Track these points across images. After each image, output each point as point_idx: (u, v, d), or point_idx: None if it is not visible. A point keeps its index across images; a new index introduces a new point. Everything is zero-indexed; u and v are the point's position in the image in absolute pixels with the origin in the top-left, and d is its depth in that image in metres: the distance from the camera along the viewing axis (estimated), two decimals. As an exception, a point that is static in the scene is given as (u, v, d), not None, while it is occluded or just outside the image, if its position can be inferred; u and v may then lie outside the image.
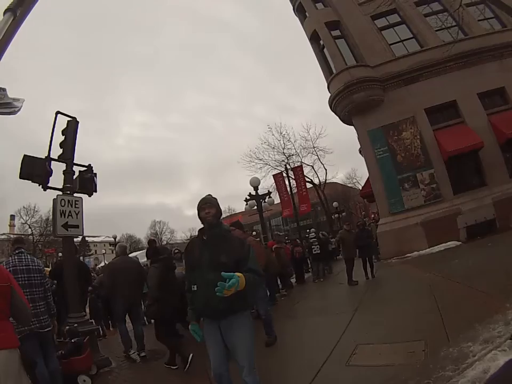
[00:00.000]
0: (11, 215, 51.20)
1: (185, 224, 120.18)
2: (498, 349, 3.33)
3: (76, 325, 5.48)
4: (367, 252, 11.31)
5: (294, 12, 19.94)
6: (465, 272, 7.89)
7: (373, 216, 28.37)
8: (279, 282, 12.76)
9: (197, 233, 3.31)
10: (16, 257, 4.38)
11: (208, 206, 3.15)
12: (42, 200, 40.24)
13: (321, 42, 17.97)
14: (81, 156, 6.66)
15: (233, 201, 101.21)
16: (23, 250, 4.50)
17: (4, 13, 3.82)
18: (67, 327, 5.33)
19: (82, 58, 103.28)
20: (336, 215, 34.45)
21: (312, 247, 14.38)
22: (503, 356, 3.11)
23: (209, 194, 3.32)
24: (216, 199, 3.28)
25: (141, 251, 55.18)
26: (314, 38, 18.49)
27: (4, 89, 4.32)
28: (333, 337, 5.53)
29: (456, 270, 8.72)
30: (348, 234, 11.76)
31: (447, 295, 6.47)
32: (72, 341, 5.04)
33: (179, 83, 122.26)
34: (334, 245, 20.82)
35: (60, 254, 10.09)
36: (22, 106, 4.49)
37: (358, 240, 11.32)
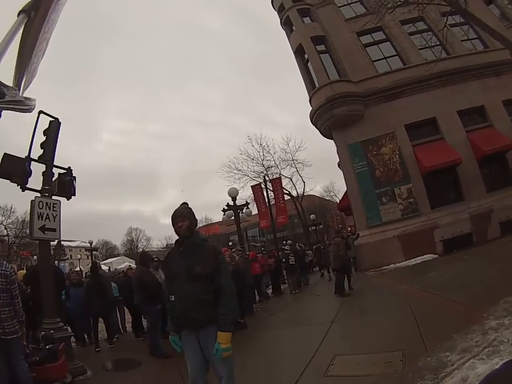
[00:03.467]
0: (-14, 215, 49.49)
1: (161, 232, 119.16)
2: (476, 357, 3.39)
3: (52, 331, 5.31)
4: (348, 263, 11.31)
5: (281, 25, 20.15)
6: (442, 284, 8.00)
7: (349, 229, 28.67)
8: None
9: (173, 243, 3.30)
10: None
11: (180, 219, 3.14)
12: (19, 201, 39.15)
13: (306, 56, 18.14)
14: (59, 158, 6.53)
15: (210, 211, 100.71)
16: None
17: (18, 15, 3.76)
18: (42, 333, 5.16)
19: (64, 61, 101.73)
20: (313, 228, 34.63)
21: (289, 257, 14.42)
22: (481, 364, 3.16)
23: (184, 203, 3.32)
24: (191, 209, 3.26)
25: (116, 257, 54.73)
26: (299, 52, 18.70)
27: (16, 89, 4.24)
28: (310, 348, 5.53)
29: (433, 282, 8.85)
30: (343, 243, 11.36)
31: (424, 307, 6.55)
32: (47, 347, 4.88)
33: (161, 92, 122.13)
34: (310, 257, 21.03)
35: (35, 258, 10.03)
36: (35, 104, 4.41)
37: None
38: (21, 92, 4.03)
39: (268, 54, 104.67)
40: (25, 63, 3.95)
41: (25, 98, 4.14)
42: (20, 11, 3.77)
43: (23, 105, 4.07)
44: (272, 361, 5.49)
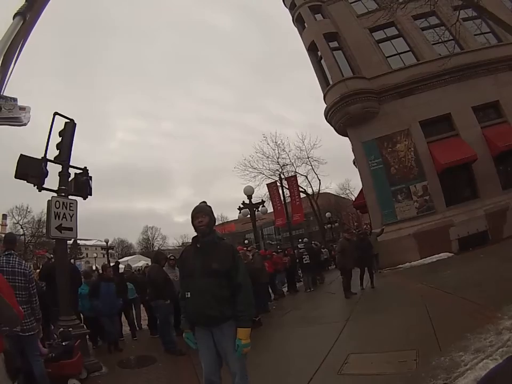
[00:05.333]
0: (3, 215, 49.87)
1: (176, 231, 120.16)
2: (489, 358, 3.37)
3: (70, 328, 5.41)
4: (367, 261, 11.16)
5: (293, 22, 20.11)
6: (457, 283, 7.93)
7: (365, 226, 28.57)
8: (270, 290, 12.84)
9: (190, 241, 3.32)
10: (4, 258, 4.35)
11: (201, 214, 3.16)
12: (34, 201, 39.86)
13: (319, 53, 18.10)
14: (73, 158, 6.61)
15: (225, 209, 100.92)
16: (12, 252, 4.45)
17: (14, 17, 3.81)
18: (60, 329, 5.27)
19: (77, 61, 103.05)
20: (329, 226, 34.50)
21: (303, 256, 14.39)
22: (495, 364, 3.13)
23: (203, 202, 3.34)
24: (210, 207, 3.30)
25: (132, 256, 55.25)
26: (312, 49, 18.66)
27: (15, 99, 4.27)
28: (324, 346, 5.53)
29: (448, 281, 8.74)
30: (348, 243, 11.13)
31: (438, 306, 6.48)
32: (63, 344, 4.99)
33: (174, 90, 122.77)
34: (326, 255, 20.92)
35: (51, 256, 10.10)
36: (30, 116, 4.46)
37: (358, 250, 10.96)
38: (4, 87, 4.07)
39: (279, 53, 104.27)
40: (11, 59, 4.00)
41: (20, 108, 4.19)
42: (16, 14, 3.83)
43: (17, 121, 4.13)
44: (286, 359, 5.50)
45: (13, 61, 4.12)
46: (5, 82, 4.13)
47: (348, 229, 13.50)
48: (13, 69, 4.26)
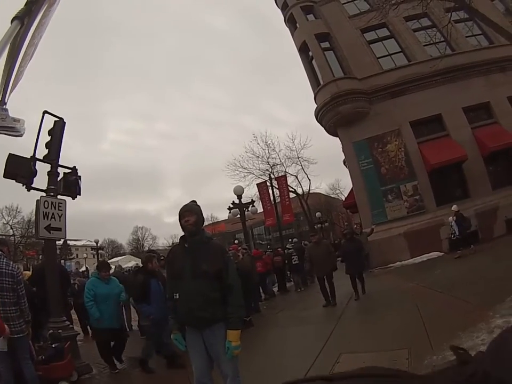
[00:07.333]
0: (-8, 215, 49.66)
1: (166, 231, 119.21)
2: (482, 356, 3.36)
3: (60, 330, 5.33)
4: (357, 266, 9.71)
5: (285, 22, 20.11)
6: (448, 282, 7.98)
7: (355, 226, 28.60)
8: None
9: (178, 241, 3.29)
10: None
11: (188, 213, 3.12)
12: (25, 201, 39.36)
13: (310, 53, 18.13)
14: (64, 158, 6.53)
15: (216, 209, 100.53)
16: (0, 253, 4.39)
17: (11, 22, 3.74)
18: (50, 331, 5.20)
19: (69, 61, 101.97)
20: (319, 225, 34.53)
21: (292, 257, 14.37)
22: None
23: (193, 201, 3.30)
24: (199, 207, 3.25)
25: (122, 256, 54.85)
26: (303, 49, 18.68)
27: (6, 110, 4.22)
28: (316, 346, 5.53)
29: (439, 280, 8.81)
30: (316, 247, 9.81)
31: (430, 305, 6.52)
32: (53, 346, 4.92)
33: (169, 91, 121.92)
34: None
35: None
36: (25, 128, 4.42)
37: (345, 253, 10.08)
38: (7, 95, 4.01)
39: (271, 53, 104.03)
40: (13, 66, 3.94)
41: (15, 120, 4.14)
42: (13, 18, 3.76)
43: (14, 131, 4.08)
44: (278, 359, 5.47)
45: (19, 64, 4.08)
46: (9, 87, 4.08)
47: (314, 234, 11.10)
48: (22, 72, 4.22)
